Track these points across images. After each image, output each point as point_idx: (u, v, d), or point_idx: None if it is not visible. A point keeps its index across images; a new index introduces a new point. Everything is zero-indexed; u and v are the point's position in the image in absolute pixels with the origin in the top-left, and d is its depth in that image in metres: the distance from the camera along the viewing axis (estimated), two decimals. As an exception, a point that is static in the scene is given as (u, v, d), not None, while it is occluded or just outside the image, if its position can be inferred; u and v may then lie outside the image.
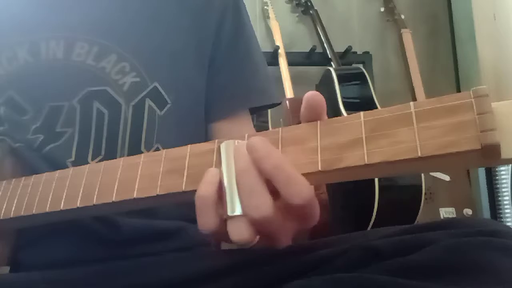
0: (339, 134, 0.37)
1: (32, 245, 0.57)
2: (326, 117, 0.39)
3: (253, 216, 0.35)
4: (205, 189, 0.38)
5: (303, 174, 0.37)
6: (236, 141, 0.39)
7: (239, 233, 0.36)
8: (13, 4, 0.67)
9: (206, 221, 0.38)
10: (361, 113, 0.37)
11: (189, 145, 0.43)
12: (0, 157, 0.57)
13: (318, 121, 0.39)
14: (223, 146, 0.39)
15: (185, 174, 0.42)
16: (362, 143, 0.36)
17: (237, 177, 0.37)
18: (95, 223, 0.57)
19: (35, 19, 0.65)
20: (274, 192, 0.37)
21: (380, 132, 0.35)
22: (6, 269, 0.56)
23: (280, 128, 0.40)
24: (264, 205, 0.35)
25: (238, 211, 0.36)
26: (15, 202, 0.51)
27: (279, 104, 0.75)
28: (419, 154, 0.33)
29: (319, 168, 0.37)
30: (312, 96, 0.39)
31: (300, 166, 0.37)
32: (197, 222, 0.68)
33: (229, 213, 0.36)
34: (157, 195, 0.42)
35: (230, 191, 0.37)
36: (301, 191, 0.36)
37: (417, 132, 0.34)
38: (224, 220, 0.37)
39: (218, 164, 0.40)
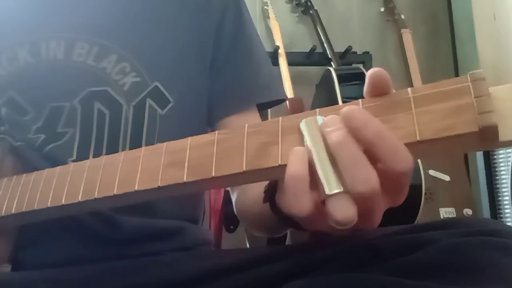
0: None
1: (33, 244, 0.57)
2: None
3: (360, 190, 0.32)
4: (298, 168, 0.34)
5: None
6: (316, 117, 0.36)
7: (345, 211, 0.32)
8: (13, 5, 0.67)
9: (302, 203, 0.34)
10: (360, 100, 0.37)
11: (189, 138, 0.43)
12: (1, 155, 0.57)
13: (318, 109, 0.38)
14: (305, 123, 0.36)
15: (186, 165, 0.42)
16: None
17: (335, 150, 0.33)
18: (95, 223, 0.57)
19: (35, 19, 0.65)
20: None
21: (379, 118, 0.35)
22: (7, 268, 0.56)
23: (280, 118, 0.39)
24: (371, 177, 0.32)
25: (339, 188, 0.33)
26: (16, 198, 0.51)
27: (285, 100, 0.75)
28: (418, 138, 0.34)
29: None
30: (375, 72, 0.36)
31: None
32: (197, 223, 0.69)
33: (329, 191, 0.33)
34: (158, 187, 0.42)
35: (326, 168, 0.33)
36: (406, 157, 0.33)
37: (416, 117, 0.34)
38: (318, 202, 0.34)
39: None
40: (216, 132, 0.42)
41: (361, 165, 0.33)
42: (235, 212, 0.68)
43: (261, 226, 0.60)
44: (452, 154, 1.80)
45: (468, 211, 1.88)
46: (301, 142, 0.37)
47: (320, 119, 0.36)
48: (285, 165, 0.36)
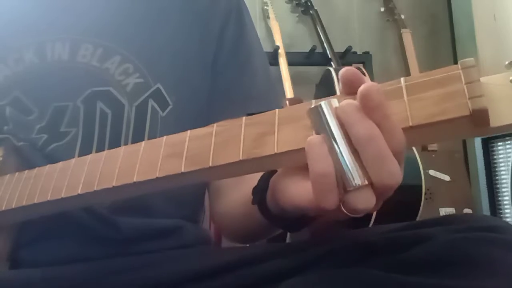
0: None
1: (32, 243, 0.57)
2: None
3: (387, 183, 0.33)
4: (326, 165, 0.34)
5: (300, 149, 0.36)
6: (331, 101, 0.35)
7: (367, 201, 0.33)
8: (19, 7, 0.68)
9: (331, 198, 0.34)
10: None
11: (188, 130, 0.44)
12: (4, 155, 0.57)
13: (313, 101, 0.39)
14: (324, 107, 0.35)
15: (184, 156, 0.42)
16: None
17: (362, 144, 0.34)
18: (94, 223, 0.57)
19: (41, 21, 0.66)
20: None
21: None
22: (5, 266, 0.56)
23: (277, 110, 0.40)
24: (397, 170, 0.34)
25: (363, 180, 0.33)
26: (17, 193, 0.51)
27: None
28: (410, 124, 0.34)
29: None
30: (346, 72, 0.37)
31: (297, 142, 0.37)
32: (196, 222, 0.69)
33: (355, 184, 0.33)
34: (156, 177, 0.43)
35: (351, 161, 0.34)
36: (403, 137, 0.34)
37: (408, 103, 0.35)
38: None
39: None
40: (215, 124, 0.43)
41: (388, 160, 0.33)
42: (212, 217, 0.68)
43: (243, 230, 0.60)
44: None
45: (468, 211, 1.89)
46: (297, 131, 0.37)
47: (335, 102, 0.35)
48: (281, 153, 0.37)
